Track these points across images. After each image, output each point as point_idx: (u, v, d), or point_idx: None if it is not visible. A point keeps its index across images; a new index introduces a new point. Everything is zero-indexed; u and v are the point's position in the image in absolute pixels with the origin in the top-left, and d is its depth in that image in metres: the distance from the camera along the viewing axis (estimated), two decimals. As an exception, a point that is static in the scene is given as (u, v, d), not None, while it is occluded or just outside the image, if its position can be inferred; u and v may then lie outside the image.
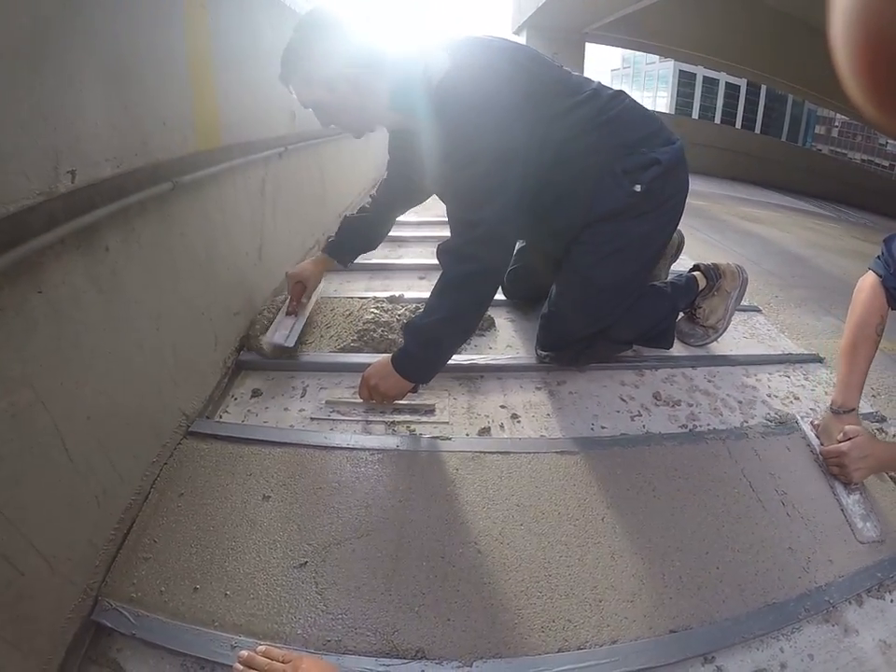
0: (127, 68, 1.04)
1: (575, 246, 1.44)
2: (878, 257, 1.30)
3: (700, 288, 1.72)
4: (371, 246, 1.83)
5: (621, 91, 1.43)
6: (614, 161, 1.36)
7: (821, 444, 1.30)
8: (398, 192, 1.73)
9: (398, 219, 1.86)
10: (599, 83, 1.42)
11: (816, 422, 1.35)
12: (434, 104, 1.19)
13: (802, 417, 1.40)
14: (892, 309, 1.27)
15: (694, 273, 1.75)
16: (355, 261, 1.83)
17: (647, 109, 1.47)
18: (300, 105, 1.28)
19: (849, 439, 1.20)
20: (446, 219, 1.31)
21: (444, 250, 1.28)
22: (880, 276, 1.27)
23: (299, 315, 1.68)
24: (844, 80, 0.23)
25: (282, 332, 1.58)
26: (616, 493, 1.15)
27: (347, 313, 1.82)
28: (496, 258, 1.25)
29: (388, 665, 0.83)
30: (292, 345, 1.55)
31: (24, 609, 0.75)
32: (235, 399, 1.42)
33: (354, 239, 1.76)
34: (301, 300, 1.72)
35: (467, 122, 1.17)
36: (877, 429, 1.43)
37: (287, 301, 1.72)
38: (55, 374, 0.84)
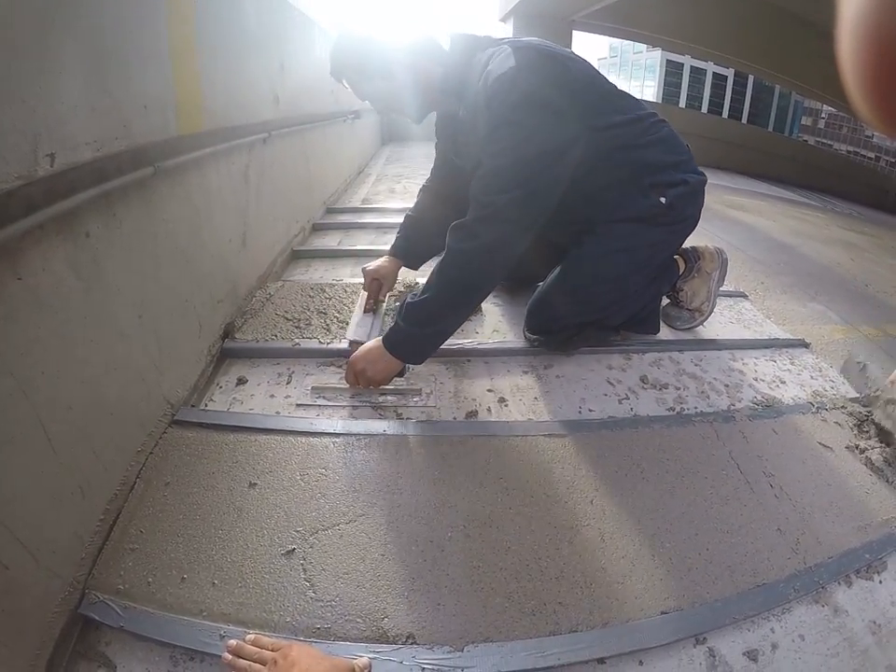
0: (108, 51, 1.02)
1: (588, 237, 1.47)
2: None
3: (680, 271, 1.74)
4: (439, 247, 1.73)
5: (663, 119, 1.49)
6: (645, 176, 1.42)
7: None
8: (445, 177, 1.73)
9: (394, 207, 1.86)
10: (643, 107, 1.47)
11: None
12: (487, 95, 1.22)
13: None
14: None
15: (674, 256, 1.76)
16: (345, 248, 1.82)
17: (681, 139, 1.52)
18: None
19: None
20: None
21: (451, 228, 1.28)
22: None
23: (377, 313, 1.69)
24: (851, 95, 0.23)
25: (362, 329, 1.57)
26: (604, 475, 1.15)
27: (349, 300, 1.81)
28: (498, 238, 1.25)
29: (378, 651, 0.82)
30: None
31: (10, 604, 0.74)
32: (220, 386, 1.41)
33: (420, 240, 1.74)
34: (379, 297, 1.71)
35: (511, 117, 1.21)
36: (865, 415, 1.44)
37: (364, 297, 1.71)
38: (36, 363, 0.82)
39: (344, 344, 1.53)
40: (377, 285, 1.70)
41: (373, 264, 1.73)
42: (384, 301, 1.75)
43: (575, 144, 1.30)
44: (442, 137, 1.68)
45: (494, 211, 1.23)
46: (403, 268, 1.77)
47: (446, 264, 1.28)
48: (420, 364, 1.36)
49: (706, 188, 1.53)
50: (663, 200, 1.41)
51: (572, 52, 1.42)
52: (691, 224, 1.53)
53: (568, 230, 1.53)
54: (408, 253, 1.75)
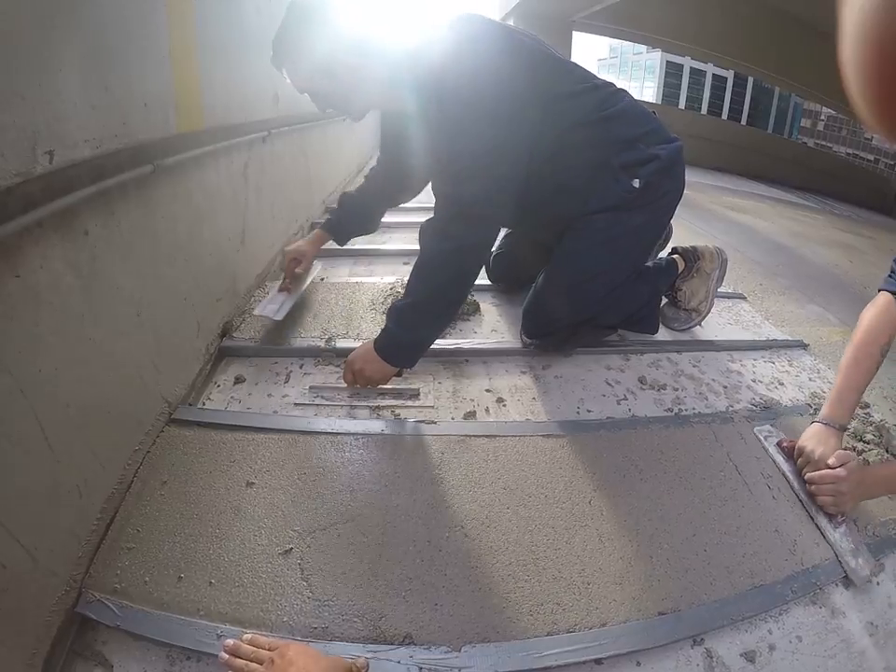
0: (108, 48, 1.01)
1: (568, 233, 1.45)
2: (889, 276, 1.25)
3: (679, 271, 1.73)
4: (368, 229, 1.84)
5: (622, 88, 1.44)
6: (612, 156, 1.37)
7: (794, 463, 1.21)
8: (390, 176, 1.71)
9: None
10: (598, 77, 1.42)
11: (785, 443, 1.25)
12: (434, 85, 1.18)
13: (766, 438, 1.31)
14: None
15: (673, 255, 1.76)
16: (342, 247, 1.82)
17: (646, 108, 1.47)
18: (291, 89, 1.26)
19: (843, 464, 1.09)
20: (431, 205, 1.30)
21: (423, 228, 1.28)
22: (893, 294, 1.21)
23: (292, 292, 1.69)
24: (853, 99, 0.23)
25: (272, 306, 1.58)
26: (603, 476, 1.15)
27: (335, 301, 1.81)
28: (474, 235, 1.24)
29: (376, 651, 0.82)
30: (280, 319, 1.56)
31: (7, 603, 0.73)
32: (218, 385, 1.41)
33: (352, 218, 1.76)
34: (295, 272, 1.72)
35: (463, 103, 1.16)
36: (864, 414, 1.44)
37: (283, 277, 1.72)
38: (33, 361, 0.82)
39: (345, 344, 1.53)
40: (295, 264, 1.71)
41: (293, 244, 1.76)
42: (301, 281, 1.76)
43: (531, 114, 1.26)
44: (389, 135, 1.63)
45: (467, 205, 1.21)
46: None
47: (425, 266, 1.27)
48: (411, 367, 1.35)
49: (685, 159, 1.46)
50: (636, 183, 1.36)
51: (516, 26, 1.39)
52: (674, 197, 1.48)
53: (550, 230, 1.52)
54: (338, 230, 1.77)
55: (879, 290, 1.26)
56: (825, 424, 1.18)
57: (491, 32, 1.27)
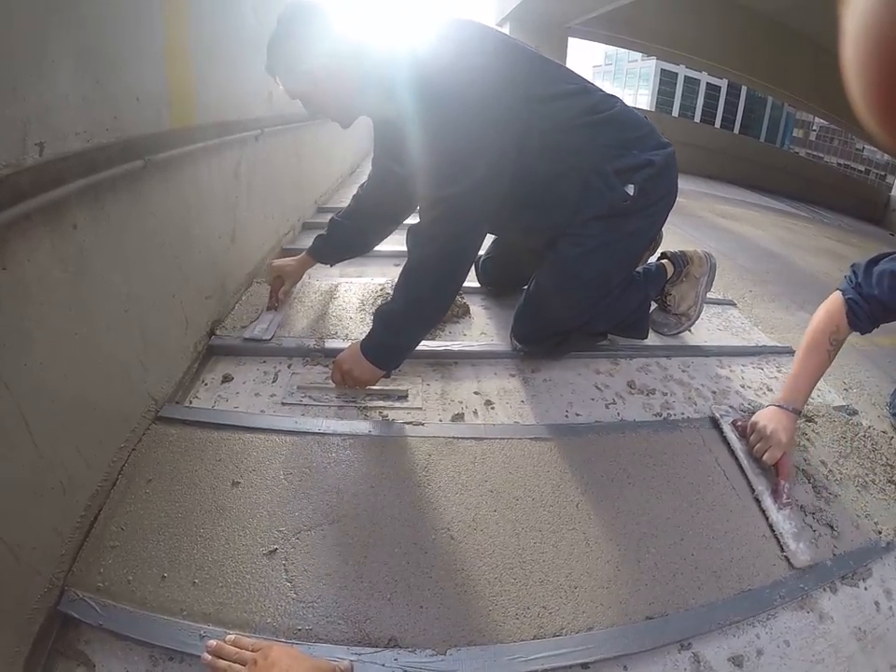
0: (100, 41, 1.00)
1: (561, 239, 1.43)
2: (845, 277, 1.33)
3: (668, 275, 1.74)
4: (359, 252, 1.84)
5: (613, 95, 1.43)
6: (604, 162, 1.35)
7: (747, 442, 1.27)
8: (383, 191, 1.68)
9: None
10: (589, 82, 1.42)
11: (739, 422, 1.31)
12: (418, 86, 1.17)
13: (721, 416, 1.36)
14: (851, 327, 1.28)
15: (662, 260, 1.77)
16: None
17: (638, 113, 1.47)
18: (285, 93, 1.26)
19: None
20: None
21: (409, 232, 1.28)
22: (842, 291, 1.30)
23: (279, 310, 1.71)
24: (857, 109, 0.23)
25: (261, 326, 1.60)
26: (590, 479, 1.15)
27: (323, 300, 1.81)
28: (458, 238, 1.24)
29: (360, 654, 0.81)
30: (269, 338, 1.56)
31: (-11, 601, 0.73)
32: (206, 384, 1.40)
33: (340, 244, 1.76)
34: (279, 295, 1.72)
35: (447, 104, 1.16)
36: (851, 423, 1.45)
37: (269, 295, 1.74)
38: (18, 355, 0.81)
39: (334, 344, 1.52)
40: (280, 283, 1.72)
41: (280, 261, 1.76)
42: (286, 299, 1.78)
43: (516, 113, 1.25)
44: (381, 146, 1.63)
45: (449, 207, 1.21)
46: None
47: (411, 270, 1.27)
48: (396, 368, 1.35)
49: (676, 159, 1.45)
50: (630, 189, 1.35)
51: (496, 29, 1.38)
52: (668, 201, 1.47)
53: (540, 238, 1.50)
54: (324, 255, 1.78)
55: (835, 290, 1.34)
56: (779, 406, 1.25)
57: (478, 34, 1.27)
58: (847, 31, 0.21)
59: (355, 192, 1.77)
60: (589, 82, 1.41)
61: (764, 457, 1.19)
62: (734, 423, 1.32)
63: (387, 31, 1.25)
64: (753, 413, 1.31)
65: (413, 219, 1.42)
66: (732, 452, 1.26)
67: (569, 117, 1.32)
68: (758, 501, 1.14)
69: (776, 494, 1.14)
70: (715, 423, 1.35)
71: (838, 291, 1.31)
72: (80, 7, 0.94)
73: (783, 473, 1.16)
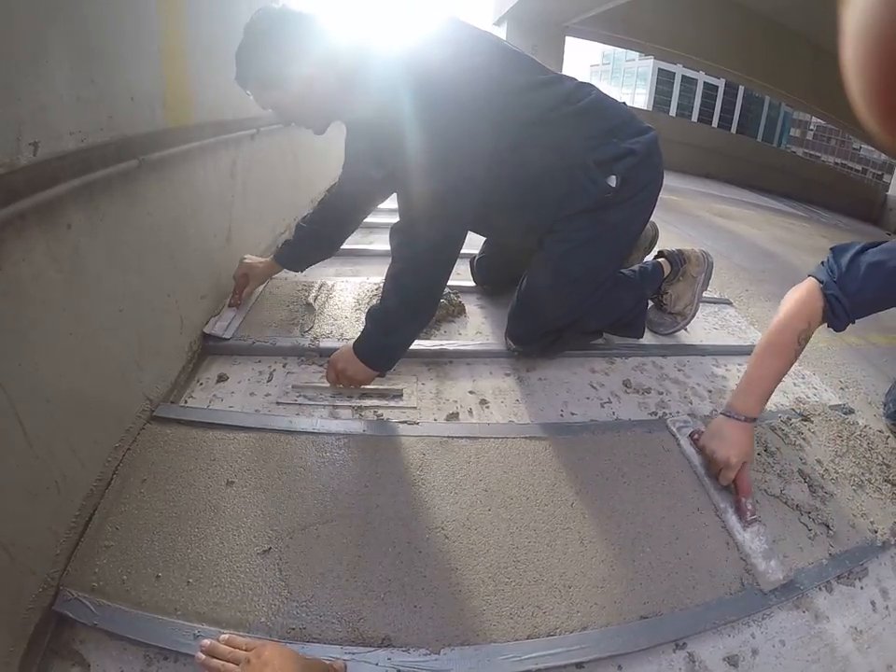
0: (96, 40, 1.01)
1: (548, 236, 1.43)
2: (822, 263, 1.19)
3: (665, 274, 1.74)
4: (326, 255, 1.81)
5: (588, 82, 1.42)
6: (585, 154, 1.34)
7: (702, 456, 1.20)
8: (356, 188, 1.67)
9: (382, 207, 1.85)
10: (565, 74, 1.40)
11: (696, 435, 1.24)
12: (390, 84, 1.16)
13: (679, 429, 1.30)
14: (827, 324, 1.16)
15: (659, 259, 1.77)
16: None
17: (615, 100, 1.45)
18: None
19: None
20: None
21: (392, 231, 1.28)
22: (821, 283, 1.15)
23: (241, 308, 1.68)
24: (857, 108, 0.23)
25: (221, 323, 1.57)
26: (585, 479, 1.15)
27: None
28: (438, 234, 1.23)
29: (354, 653, 0.81)
30: (230, 337, 1.54)
31: (-18, 601, 0.72)
32: (201, 383, 1.39)
33: (307, 250, 1.74)
34: (243, 294, 1.69)
35: (419, 100, 1.14)
36: (847, 423, 1.45)
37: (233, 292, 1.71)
38: (13, 355, 0.81)
39: (329, 343, 1.52)
40: (245, 280, 1.69)
41: (250, 258, 1.72)
42: (249, 298, 1.75)
43: (487, 113, 1.23)
44: (354, 149, 1.59)
45: (424, 205, 1.20)
46: None
47: (397, 272, 1.26)
48: (391, 369, 1.34)
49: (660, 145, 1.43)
50: (612, 181, 1.33)
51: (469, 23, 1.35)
52: (653, 189, 1.45)
53: (527, 237, 1.50)
54: (291, 261, 1.75)
55: (808, 276, 1.20)
56: (728, 416, 1.16)
57: (449, 29, 1.26)
58: (847, 30, 0.21)
59: (322, 197, 1.75)
60: (561, 73, 1.40)
61: (719, 480, 1.13)
62: (691, 436, 1.26)
63: (351, 30, 1.24)
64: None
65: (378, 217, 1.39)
66: (691, 468, 1.20)
67: (547, 108, 1.31)
68: (721, 520, 1.09)
69: (739, 512, 1.09)
70: (672, 435, 1.29)
71: (814, 282, 1.16)
72: (77, 6, 0.94)
73: (742, 490, 1.10)
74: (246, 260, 1.70)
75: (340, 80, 1.22)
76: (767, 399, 1.17)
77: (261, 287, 1.83)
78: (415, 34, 1.21)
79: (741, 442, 1.12)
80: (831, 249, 1.19)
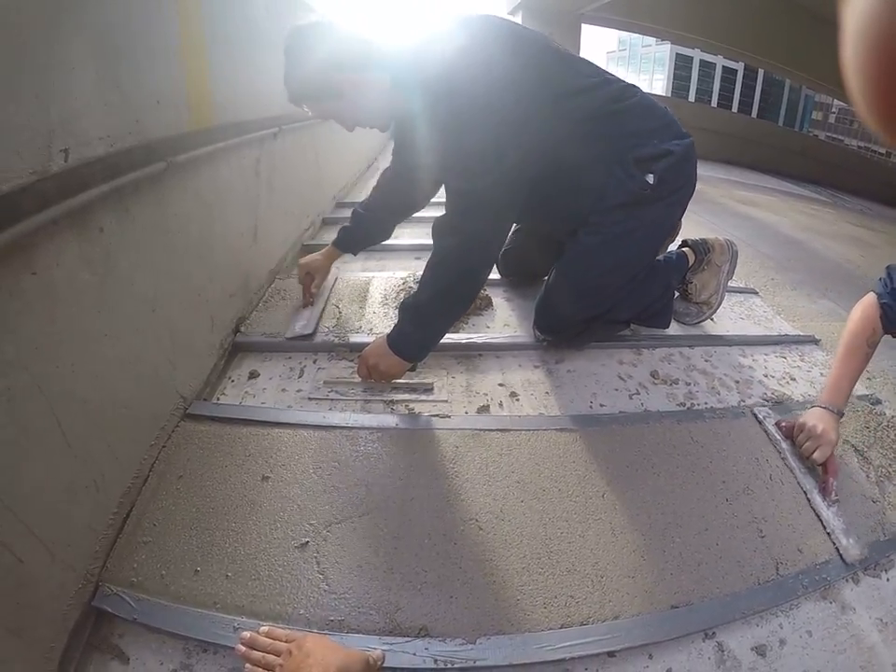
0: (119, 46, 1.02)
1: (582, 228, 1.44)
2: (880, 279, 1.33)
3: (690, 264, 1.73)
4: (380, 239, 1.86)
5: (633, 84, 1.44)
6: (625, 151, 1.36)
7: (792, 442, 1.27)
8: (402, 185, 1.70)
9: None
10: (609, 73, 1.42)
11: (784, 423, 1.31)
12: (439, 84, 1.18)
13: (765, 418, 1.34)
14: (885, 332, 1.28)
15: (684, 248, 1.76)
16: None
17: (658, 104, 1.47)
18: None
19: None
20: (442, 200, 1.30)
21: (435, 225, 1.28)
22: (878, 294, 1.30)
23: (315, 304, 1.73)
24: (856, 102, 0.23)
25: (301, 323, 1.62)
26: (615, 470, 1.15)
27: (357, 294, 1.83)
28: (481, 229, 1.24)
29: (392, 644, 0.83)
30: (311, 332, 1.58)
31: (25, 597, 0.74)
32: (232, 380, 1.42)
33: (363, 234, 1.79)
34: (312, 290, 1.75)
35: (470, 100, 1.16)
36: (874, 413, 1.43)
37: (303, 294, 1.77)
38: (50, 357, 0.83)
39: (358, 339, 1.54)
40: (310, 279, 1.74)
41: (307, 258, 1.77)
42: (319, 293, 1.81)
43: (536, 112, 1.26)
44: (401, 140, 1.65)
45: (474, 199, 1.21)
46: None
47: (437, 263, 1.27)
48: (422, 361, 1.36)
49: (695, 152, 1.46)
50: (650, 178, 1.36)
51: (518, 23, 1.38)
52: (687, 191, 1.48)
53: (562, 226, 1.51)
54: (350, 246, 1.80)
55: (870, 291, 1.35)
56: (824, 408, 1.25)
57: (497, 30, 1.27)
58: (847, 28, 0.21)
59: (375, 182, 1.79)
60: (608, 73, 1.42)
61: (815, 455, 1.19)
62: (777, 424, 1.31)
63: (397, 31, 1.26)
64: (779, 403, 1.31)
65: (433, 211, 1.42)
66: (778, 452, 1.25)
67: (592, 109, 1.33)
68: (808, 499, 1.14)
69: (825, 491, 1.14)
70: (759, 422, 1.33)
71: (873, 294, 1.31)
72: (96, 12, 0.95)
73: (831, 471, 1.16)
74: (302, 261, 1.75)
75: (384, 76, 1.25)
76: (850, 396, 1.29)
77: (332, 280, 1.89)
78: (459, 36, 1.22)
79: (836, 429, 1.22)
80: (886, 267, 1.34)
